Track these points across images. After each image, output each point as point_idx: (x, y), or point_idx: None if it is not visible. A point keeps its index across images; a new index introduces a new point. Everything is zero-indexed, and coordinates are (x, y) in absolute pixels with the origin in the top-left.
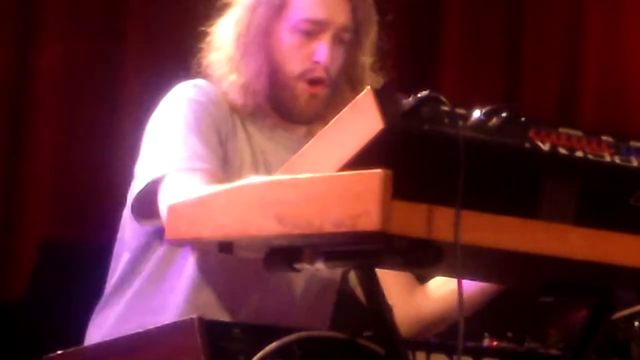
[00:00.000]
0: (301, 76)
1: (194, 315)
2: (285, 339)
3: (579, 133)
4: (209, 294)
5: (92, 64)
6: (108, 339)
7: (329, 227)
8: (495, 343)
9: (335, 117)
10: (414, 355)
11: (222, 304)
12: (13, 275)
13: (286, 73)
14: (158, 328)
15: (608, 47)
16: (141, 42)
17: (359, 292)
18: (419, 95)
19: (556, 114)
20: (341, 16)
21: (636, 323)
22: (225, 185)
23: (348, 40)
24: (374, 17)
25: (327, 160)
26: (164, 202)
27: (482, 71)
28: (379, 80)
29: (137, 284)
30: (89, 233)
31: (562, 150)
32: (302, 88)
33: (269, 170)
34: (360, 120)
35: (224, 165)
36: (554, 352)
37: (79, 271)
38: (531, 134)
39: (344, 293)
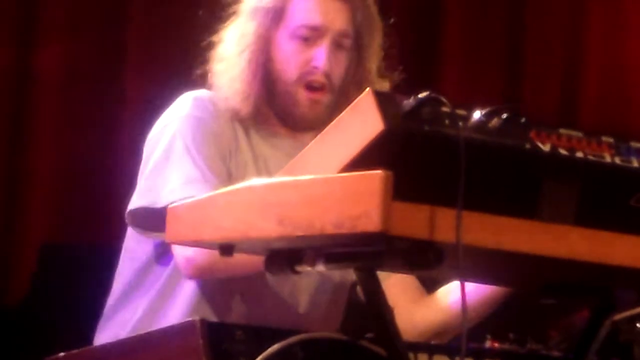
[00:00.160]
0: (299, 80)
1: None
2: (287, 341)
3: (580, 134)
4: (219, 302)
5: (93, 64)
6: None
7: (329, 229)
8: (497, 344)
9: (336, 119)
10: (416, 357)
11: (232, 314)
12: (14, 278)
13: (286, 79)
14: (160, 330)
15: (609, 47)
16: (141, 42)
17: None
18: (419, 96)
19: (557, 115)
20: (339, 21)
21: (638, 324)
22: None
23: (350, 46)
24: (376, 21)
25: (327, 162)
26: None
27: (482, 72)
28: (388, 85)
29: (146, 300)
30: (90, 235)
31: (563, 151)
32: (302, 94)
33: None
34: (361, 121)
35: (227, 177)
36: (555, 353)
37: (80, 273)
38: (532, 134)
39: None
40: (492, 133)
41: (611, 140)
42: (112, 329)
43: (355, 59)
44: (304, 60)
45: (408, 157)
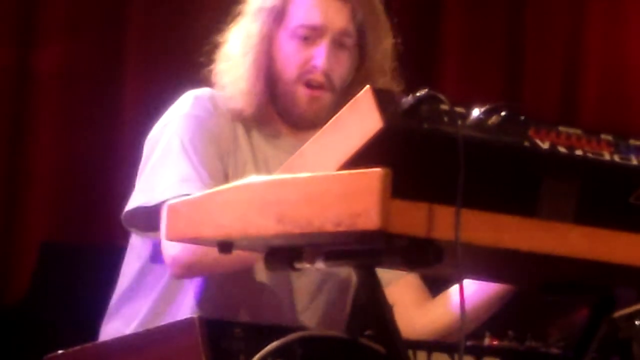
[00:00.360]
0: (298, 79)
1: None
2: (286, 338)
3: (579, 132)
4: (223, 300)
5: (93, 65)
6: None
7: (328, 227)
8: (496, 342)
9: (335, 116)
10: (414, 355)
11: (238, 309)
12: (14, 276)
13: (286, 79)
14: (159, 327)
15: (608, 46)
16: (141, 42)
17: None
18: (418, 94)
19: (557, 114)
20: (339, 20)
21: (637, 322)
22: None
23: (351, 45)
24: (382, 20)
25: (326, 160)
26: (169, 245)
27: (482, 70)
28: (400, 85)
29: (149, 299)
30: (90, 233)
31: (562, 149)
32: (301, 92)
33: None
34: (360, 119)
35: (223, 176)
36: (554, 351)
37: (80, 272)
38: (531, 132)
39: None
40: (491, 131)
41: (610, 138)
42: (116, 326)
43: (359, 57)
44: (303, 60)
45: (407, 155)
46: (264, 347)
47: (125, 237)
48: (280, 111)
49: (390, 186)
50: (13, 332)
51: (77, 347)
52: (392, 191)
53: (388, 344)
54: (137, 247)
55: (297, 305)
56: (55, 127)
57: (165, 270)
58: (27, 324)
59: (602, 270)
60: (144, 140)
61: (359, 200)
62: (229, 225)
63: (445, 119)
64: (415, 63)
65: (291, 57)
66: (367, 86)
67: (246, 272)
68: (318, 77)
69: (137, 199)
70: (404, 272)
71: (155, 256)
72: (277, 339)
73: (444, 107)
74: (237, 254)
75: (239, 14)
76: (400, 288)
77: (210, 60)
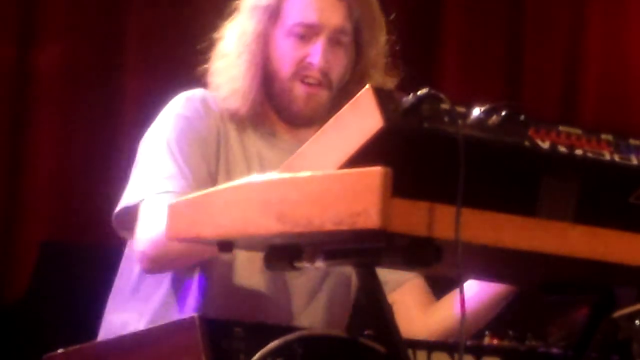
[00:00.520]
0: (295, 76)
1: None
2: (287, 338)
3: (579, 131)
4: (223, 302)
5: (92, 64)
6: None
7: (329, 226)
8: (496, 341)
9: (335, 116)
10: (414, 354)
11: (238, 310)
12: (13, 275)
13: (282, 77)
14: (159, 327)
15: (609, 45)
16: (141, 42)
17: None
18: (418, 93)
19: (557, 114)
20: (335, 18)
21: (637, 322)
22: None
23: (348, 43)
24: (377, 17)
25: (327, 159)
26: (139, 234)
27: (482, 70)
28: (392, 81)
29: (150, 306)
30: (90, 233)
31: (562, 149)
32: (298, 89)
33: None
34: (360, 118)
35: (208, 177)
36: (555, 350)
37: (79, 271)
38: (531, 132)
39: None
40: (491, 130)
41: (610, 137)
42: (116, 324)
43: (355, 55)
44: (299, 57)
45: (407, 154)
46: (264, 346)
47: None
48: (277, 109)
49: (390, 185)
50: (13, 331)
51: (77, 346)
52: (392, 190)
53: (388, 343)
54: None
55: (297, 304)
56: (55, 126)
57: (164, 275)
58: (26, 323)
59: (602, 270)
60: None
61: (359, 199)
62: (229, 224)
63: (446, 118)
64: (415, 62)
65: (287, 55)
66: (368, 85)
67: (246, 272)
68: (315, 74)
69: (124, 200)
70: (411, 276)
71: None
72: (277, 338)
73: (445, 106)
74: (200, 246)
75: (234, 10)
76: (406, 292)
77: (206, 59)
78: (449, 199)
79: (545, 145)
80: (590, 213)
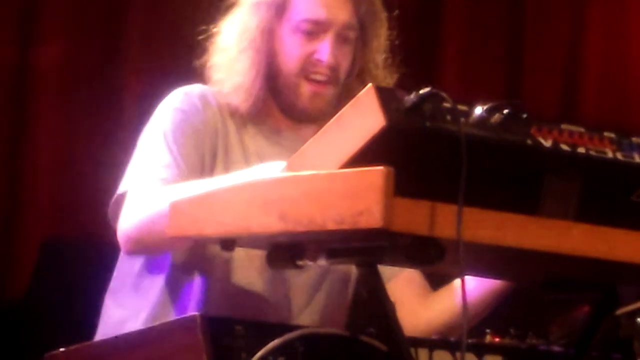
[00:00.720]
0: (301, 73)
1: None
2: (288, 336)
3: (581, 129)
4: (222, 300)
5: (93, 62)
6: None
7: (331, 225)
8: (497, 339)
9: (337, 114)
10: (416, 352)
11: (237, 308)
12: (14, 274)
13: (287, 72)
14: (160, 325)
15: (609, 45)
16: (141, 39)
17: None
18: (420, 92)
19: (557, 114)
20: (343, 14)
21: (639, 319)
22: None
23: (354, 38)
24: (381, 13)
25: (329, 158)
26: (122, 214)
27: (483, 68)
28: (393, 77)
29: (147, 304)
30: (90, 232)
31: (564, 147)
32: (304, 87)
33: None
34: (363, 117)
35: (200, 170)
36: (556, 348)
37: (80, 270)
38: (533, 130)
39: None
40: (494, 129)
41: (613, 135)
42: (114, 322)
43: (360, 51)
44: (307, 54)
45: (409, 153)
46: (266, 344)
47: None
48: (280, 106)
49: (392, 184)
50: (13, 330)
51: (78, 345)
52: (394, 189)
53: (390, 341)
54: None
55: (296, 303)
56: (56, 125)
57: (164, 271)
58: (27, 322)
59: (604, 268)
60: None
61: (361, 198)
62: (232, 223)
63: (448, 117)
64: (415, 62)
65: (294, 51)
66: (370, 84)
67: (245, 270)
68: (323, 70)
69: (119, 190)
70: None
71: (150, 264)
72: (278, 336)
73: (447, 105)
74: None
75: (232, 5)
76: (401, 283)
77: (203, 53)
78: (451, 198)
79: (548, 143)
80: (593, 211)
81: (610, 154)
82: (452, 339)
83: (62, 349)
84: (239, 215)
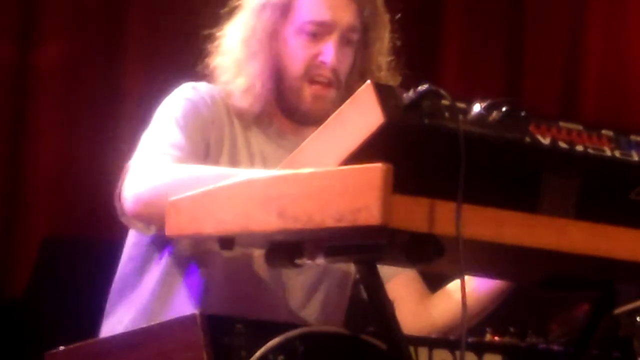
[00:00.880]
0: (305, 75)
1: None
2: (288, 334)
3: (580, 127)
4: (218, 300)
5: (93, 61)
6: None
7: (330, 222)
8: (497, 338)
9: (336, 112)
10: (416, 351)
11: (234, 308)
12: (15, 271)
13: (291, 74)
14: (160, 324)
15: (609, 45)
16: (142, 40)
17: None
18: (419, 89)
19: (556, 114)
20: (347, 16)
21: (638, 318)
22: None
23: (357, 40)
24: (383, 16)
25: (327, 155)
26: (128, 175)
27: (482, 70)
28: (396, 80)
29: (144, 301)
30: (91, 228)
31: (563, 145)
32: (307, 89)
33: None
34: (361, 114)
35: (204, 159)
36: (556, 347)
37: (81, 267)
38: (531, 128)
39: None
40: (492, 126)
41: (611, 133)
42: (112, 323)
43: (361, 52)
44: (311, 56)
45: (408, 150)
46: (265, 343)
47: (125, 231)
48: (284, 108)
49: (391, 181)
50: (14, 327)
51: (78, 344)
52: (393, 186)
53: (390, 340)
54: (132, 245)
55: (294, 303)
56: (56, 122)
57: (161, 266)
58: (28, 318)
59: (603, 266)
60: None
61: (360, 195)
62: (230, 220)
63: (447, 114)
64: (416, 59)
65: (298, 53)
66: (368, 81)
67: (243, 269)
68: (326, 73)
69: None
70: (403, 268)
71: (158, 250)
72: (278, 335)
73: (445, 102)
74: None
75: (236, 7)
76: (399, 284)
77: (205, 54)
78: (450, 195)
79: (546, 141)
80: (591, 209)
81: (608, 152)
82: (451, 337)
83: (62, 348)
84: (237, 212)
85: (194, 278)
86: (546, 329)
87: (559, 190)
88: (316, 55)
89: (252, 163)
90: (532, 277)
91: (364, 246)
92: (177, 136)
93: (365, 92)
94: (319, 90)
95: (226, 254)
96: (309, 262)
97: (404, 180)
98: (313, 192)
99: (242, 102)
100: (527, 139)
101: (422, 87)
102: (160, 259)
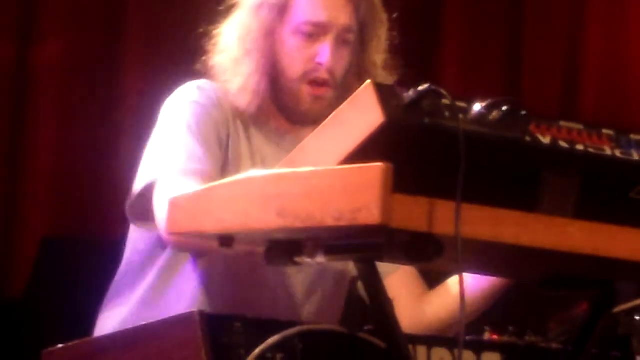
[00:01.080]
0: (303, 77)
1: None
2: (287, 333)
3: (580, 126)
4: (217, 297)
5: (92, 61)
6: None
7: (329, 221)
8: (495, 337)
9: (336, 111)
10: (414, 349)
11: (232, 306)
12: (15, 271)
13: (289, 75)
14: (159, 322)
15: (609, 45)
16: (141, 38)
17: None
18: (419, 88)
19: (558, 112)
20: (343, 17)
21: (637, 317)
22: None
23: (353, 41)
24: (380, 15)
25: (327, 154)
26: (158, 204)
27: (482, 70)
28: (393, 78)
29: (141, 291)
30: (90, 228)
31: (563, 144)
32: (305, 90)
33: None
34: (361, 113)
35: (222, 168)
36: (555, 345)
37: (80, 266)
38: (531, 127)
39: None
40: (492, 125)
41: (611, 132)
42: (106, 319)
43: (359, 52)
44: (308, 57)
45: (408, 150)
46: (264, 341)
47: (125, 231)
48: (281, 108)
49: (391, 181)
50: (12, 326)
51: (76, 342)
52: (393, 186)
53: (389, 338)
54: (134, 242)
55: (294, 301)
56: (55, 121)
57: (162, 263)
58: (27, 318)
59: (602, 265)
60: (143, 134)
61: (360, 194)
62: (230, 219)
63: (447, 113)
64: (416, 58)
65: (295, 54)
66: (369, 81)
67: (241, 271)
68: (323, 74)
69: (143, 178)
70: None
71: (160, 249)
72: (277, 333)
73: (446, 101)
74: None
75: (233, 5)
76: (397, 281)
77: (203, 54)
78: (449, 195)
79: (546, 140)
80: (591, 208)
81: (608, 151)
82: (450, 336)
83: (60, 346)
84: (237, 211)
85: (193, 275)
86: (545, 327)
87: (559, 190)
88: (312, 57)
89: (253, 162)
90: (532, 276)
91: (363, 245)
92: (194, 146)
93: (366, 92)
94: (316, 90)
95: (225, 252)
96: (308, 260)
97: (403, 180)
98: (313, 191)
99: (241, 102)
100: (527, 138)
101: (423, 87)
102: (163, 253)
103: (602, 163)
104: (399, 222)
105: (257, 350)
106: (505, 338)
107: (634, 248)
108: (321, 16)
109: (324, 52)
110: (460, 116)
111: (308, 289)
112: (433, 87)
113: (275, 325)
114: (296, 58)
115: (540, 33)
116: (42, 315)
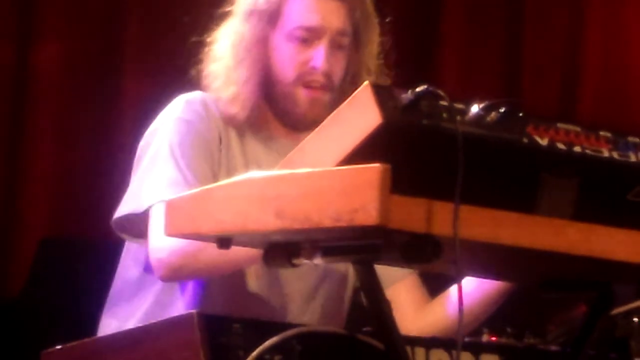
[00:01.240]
0: (297, 80)
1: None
2: (285, 334)
3: (577, 128)
4: (217, 308)
5: (92, 62)
6: None
7: (327, 222)
8: (494, 338)
9: (334, 112)
10: (413, 351)
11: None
12: (13, 271)
13: (284, 81)
14: (158, 323)
15: (609, 45)
16: (141, 38)
17: None
18: (417, 90)
19: (558, 112)
20: (337, 21)
21: (635, 319)
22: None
23: (347, 44)
24: (374, 18)
25: (325, 155)
26: (156, 242)
27: (482, 70)
28: (387, 81)
29: (144, 305)
30: (89, 229)
31: (560, 146)
32: (301, 93)
33: None
34: (359, 114)
35: (212, 179)
36: (553, 347)
37: (79, 267)
38: (529, 129)
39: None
40: (490, 127)
41: (609, 134)
42: (113, 324)
43: (353, 56)
44: (302, 61)
45: (406, 151)
46: (263, 342)
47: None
48: (279, 113)
49: (389, 182)
50: (12, 327)
51: (75, 343)
52: (391, 187)
53: (387, 340)
54: (133, 250)
55: (293, 310)
56: (55, 123)
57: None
58: (25, 318)
59: (601, 267)
60: (141, 139)
61: (358, 195)
62: (228, 220)
63: (445, 115)
64: (414, 59)
65: (289, 59)
66: (366, 82)
67: (241, 277)
68: (319, 78)
69: (126, 206)
70: (406, 273)
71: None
72: (275, 335)
73: (443, 103)
74: (232, 255)
75: (227, 13)
76: (401, 290)
77: (198, 61)
78: (447, 196)
79: (544, 142)
80: (589, 210)
81: (606, 153)
82: (448, 337)
83: (59, 347)
84: (235, 212)
85: (194, 286)
86: (543, 329)
87: (557, 191)
88: (307, 61)
89: (247, 169)
90: (530, 278)
91: (361, 246)
92: (173, 173)
93: (363, 93)
94: (313, 93)
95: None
96: (306, 262)
97: (401, 181)
98: (311, 192)
99: (233, 109)
100: (525, 140)
101: (420, 88)
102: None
103: (599, 165)
104: (397, 223)
105: (256, 352)
106: (504, 340)
107: (632, 250)
108: (314, 20)
109: (318, 56)
110: (458, 117)
111: (308, 297)
112: (431, 89)
113: (274, 327)
114: (290, 63)
115: (540, 33)
116: (41, 316)
